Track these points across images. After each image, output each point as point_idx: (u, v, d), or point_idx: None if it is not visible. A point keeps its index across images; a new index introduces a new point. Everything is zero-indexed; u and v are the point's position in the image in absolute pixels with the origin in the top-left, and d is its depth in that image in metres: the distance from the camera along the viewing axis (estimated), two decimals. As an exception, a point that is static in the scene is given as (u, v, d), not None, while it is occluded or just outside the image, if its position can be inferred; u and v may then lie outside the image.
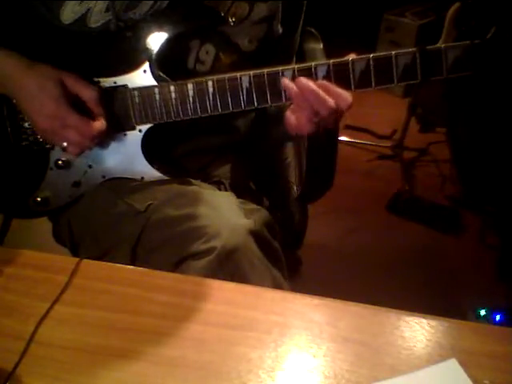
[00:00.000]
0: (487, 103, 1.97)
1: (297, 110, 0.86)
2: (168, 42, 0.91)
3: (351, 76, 0.84)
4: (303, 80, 0.83)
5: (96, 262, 0.83)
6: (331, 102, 0.82)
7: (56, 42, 0.93)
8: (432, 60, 0.82)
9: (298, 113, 0.85)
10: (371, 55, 0.83)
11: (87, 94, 0.89)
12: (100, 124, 0.89)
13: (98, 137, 0.90)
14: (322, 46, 1.10)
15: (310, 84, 0.83)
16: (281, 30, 1.01)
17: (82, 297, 0.75)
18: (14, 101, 0.94)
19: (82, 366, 0.66)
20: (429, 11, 3.02)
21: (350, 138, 2.70)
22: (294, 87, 0.83)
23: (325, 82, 0.84)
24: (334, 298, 0.75)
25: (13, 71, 0.87)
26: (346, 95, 0.83)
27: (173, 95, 0.90)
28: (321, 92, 0.82)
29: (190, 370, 0.65)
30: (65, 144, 0.90)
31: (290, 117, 0.87)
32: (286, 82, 0.84)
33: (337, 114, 0.84)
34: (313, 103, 0.83)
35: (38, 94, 0.86)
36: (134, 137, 0.95)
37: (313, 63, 0.85)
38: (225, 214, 0.88)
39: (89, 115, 0.89)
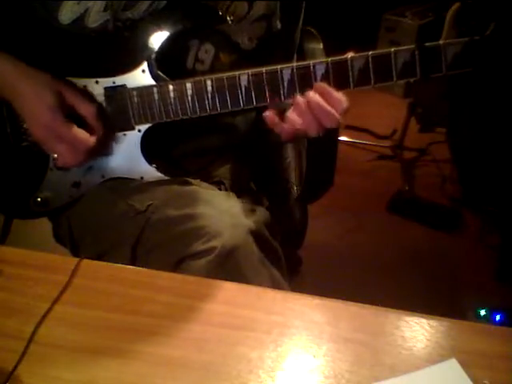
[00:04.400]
0: (487, 103, 1.97)
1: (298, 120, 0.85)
2: (167, 41, 0.90)
3: (350, 74, 0.84)
4: (310, 93, 0.83)
5: (96, 262, 0.83)
6: (335, 113, 0.82)
7: (54, 42, 0.92)
8: (431, 57, 0.82)
9: (300, 122, 0.85)
10: (370, 53, 0.83)
11: (85, 109, 0.88)
12: (95, 140, 0.88)
13: (90, 153, 0.89)
14: (321, 46, 1.10)
15: (316, 97, 0.83)
16: (279, 26, 1.01)
17: (82, 297, 0.75)
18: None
19: (81, 366, 0.66)
20: (429, 11, 3.02)
21: (350, 137, 2.70)
22: (303, 104, 0.83)
23: (323, 86, 0.83)
24: (334, 298, 0.75)
25: (10, 77, 0.86)
26: (343, 100, 0.83)
27: (171, 95, 0.90)
28: (326, 104, 0.82)
29: (190, 370, 0.65)
30: (55, 156, 0.90)
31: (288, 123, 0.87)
32: (299, 99, 0.84)
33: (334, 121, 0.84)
34: (317, 115, 0.83)
35: (35, 101, 0.86)
36: (133, 137, 0.95)
37: (311, 62, 0.85)
38: (225, 213, 0.88)
39: (86, 128, 0.88)
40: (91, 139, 0.88)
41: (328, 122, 0.83)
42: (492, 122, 2.04)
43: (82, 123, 0.89)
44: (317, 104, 0.82)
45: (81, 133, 0.87)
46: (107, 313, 0.73)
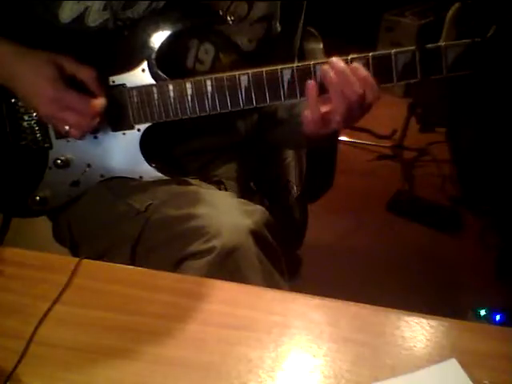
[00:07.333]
0: (488, 103, 1.97)
1: (326, 100, 0.85)
2: (166, 40, 0.90)
3: None
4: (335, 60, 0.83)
5: (96, 262, 0.83)
6: (358, 85, 0.82)
7: (54, 41, 0.92)
8: (432, 58, 0.82)
9: (328, 103, 0.85)
10: (370, 54, 0.83)
11: (84, 73, 0.88)
12: (100, 101, 0.88)
13: (98, 114, 0.88)
14: (321, 46, 1.10)
15: (341, 64, 0.82)
16: (279, 29, 1.01)
17: (82, 297, 0.75)
18: (14, 99, 0.94)
19: (81, 366, 0.66)
20: (429, 11, 3.02)
21: (350, 137, 2.70)
22: (332, 73, 0.82)
23: (356, 65, 0.83)
24: (333, 298, 0.75)
25: (7, 60, 0.87)
26: (374, 84, 0.82)
27: (171, 94, 0.90)
28: (351, 75, 0.82)
29: (190, 370, 0.65)
30: (67, 128, 0.88)
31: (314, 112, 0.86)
32: (325, 68, 0.83)
33: (362, 104, 0.83)
34: (342, 86, 0.82)
35: (34, 78, 0.86)
36: (133, 136, 0.95)
37: (312, 62, 0.85)
38: (225, 213, 0.88)
39: (88, 94, 0.88)
40: (97, 101, 0.88)
41: (352, 94, 0.82)
42: (492, 122, 2.04)
43: (85, 92, 0.88)
44: (341, 72, 0.82)
45: (86, 97, 0.87)
46: (107, 313, 0.73)
